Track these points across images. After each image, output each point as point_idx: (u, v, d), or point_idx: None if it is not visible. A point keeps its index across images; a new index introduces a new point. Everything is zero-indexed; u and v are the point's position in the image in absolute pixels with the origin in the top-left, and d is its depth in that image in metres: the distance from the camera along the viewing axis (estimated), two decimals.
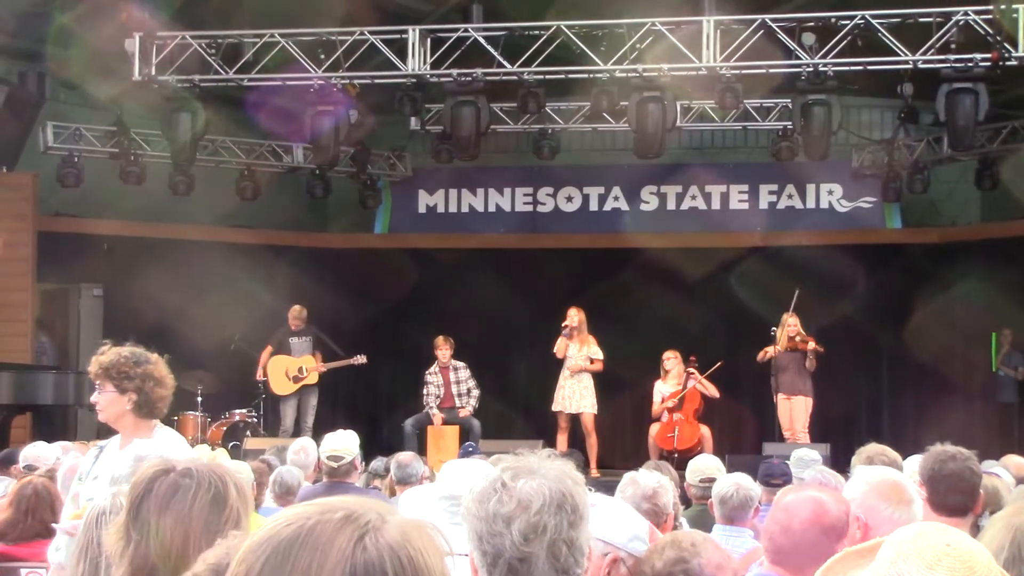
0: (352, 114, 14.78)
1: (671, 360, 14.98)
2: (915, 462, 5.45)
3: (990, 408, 16.66)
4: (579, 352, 14.52)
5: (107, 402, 5.28)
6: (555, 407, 14.69)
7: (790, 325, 14.52)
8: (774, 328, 14.69)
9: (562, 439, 14.51)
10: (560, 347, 14.58)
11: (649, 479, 5.10)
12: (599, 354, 14.57)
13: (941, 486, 4.86)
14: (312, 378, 15.59)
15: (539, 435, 14.42)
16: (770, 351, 14.65)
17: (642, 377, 15.65)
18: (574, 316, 14.57)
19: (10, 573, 5.70)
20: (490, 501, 2.40)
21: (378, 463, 9.85)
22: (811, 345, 14.48)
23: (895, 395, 17.31)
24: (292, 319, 15.68)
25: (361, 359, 15.52)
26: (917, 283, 16.96)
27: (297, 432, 14.84)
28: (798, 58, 13.29)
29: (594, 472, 14.03)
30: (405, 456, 8.74)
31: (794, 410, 14.50)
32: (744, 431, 16.87)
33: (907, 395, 17.07)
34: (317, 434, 11.78)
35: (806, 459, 8.38)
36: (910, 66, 13.28)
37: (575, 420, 14.67)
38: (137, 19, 14.18)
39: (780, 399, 14.65)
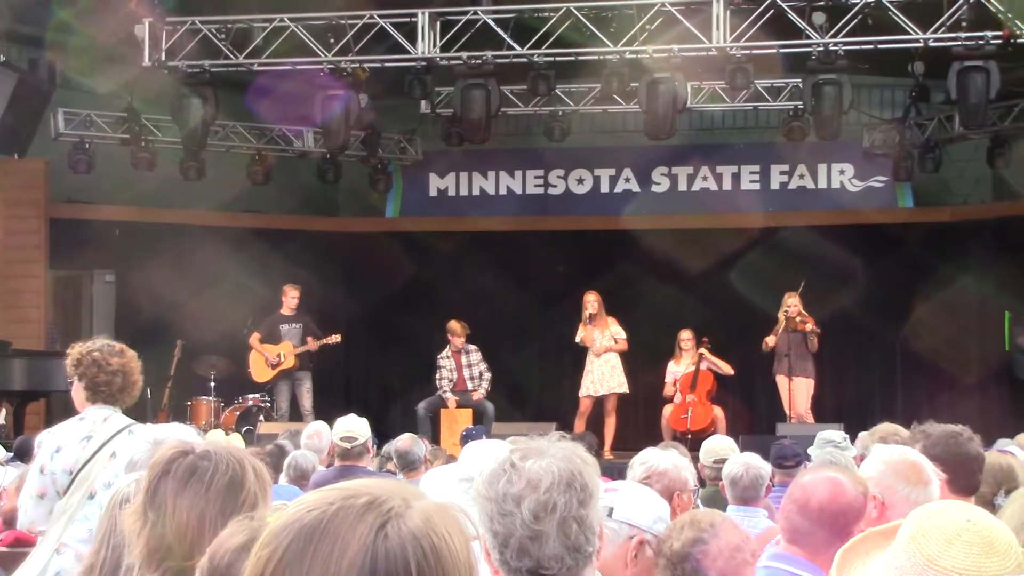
0: (362, 98, 14.77)
1: (687, 340, 14.99)
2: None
3: (1004, 387, 16.59)
4: (602, 336, 14.51)
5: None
6: (582, 392, 14.68)
7: (790, 305, 14.48)
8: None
9: (580, 423, 14.50)
10: (584, 335, 14.58)
11: (660, 458, 5.10)
12: (622, 333, 14.59)
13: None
14: (289, 362, 15.29)
15: (552, 418, 14.43)
16: (770, 341, 14.62)
17: (654, 359, 15.65)
18: (592, 303, 14.55)
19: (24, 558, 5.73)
20: (499, 482, 2.41)
21: (391, 446, 9.86)
22: (809, 326, 14.41)
23: (908, 375, 17.24)
24: (288, 298, 15.42)
25: (335, 338, 15.34)
26: (929, 262, 16.89)
27: (296, 416, 14.84)
28: (808, 38, 13.26)
29: (608, 455, 14.03)
30: (403, 442, 8.64)
31: (795, 392, 14.42)
32: (757, 412, 16.84)
33: (920, 375, 17.00)
34: (322, 418, 11.77)
35: (835, 440, 8.12)
36: (921, 45, 13.23)
37: (596, 405, 14.66)
38: (145, 6, 14.20)
39: (780, 380, 14.63)
